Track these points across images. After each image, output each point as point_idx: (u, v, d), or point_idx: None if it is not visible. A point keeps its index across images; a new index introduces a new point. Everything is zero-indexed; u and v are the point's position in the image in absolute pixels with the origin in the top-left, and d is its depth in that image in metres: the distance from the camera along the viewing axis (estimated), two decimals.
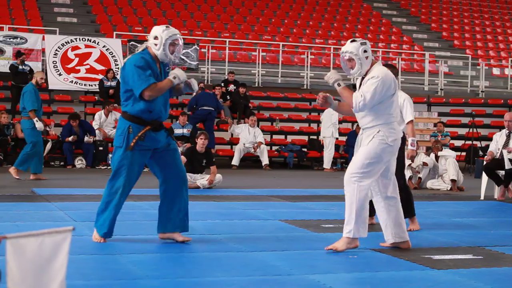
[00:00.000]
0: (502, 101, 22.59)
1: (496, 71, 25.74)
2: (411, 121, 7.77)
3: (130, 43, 19.63)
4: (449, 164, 13.16)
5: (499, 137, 11.79)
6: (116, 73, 18.51)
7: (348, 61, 6.15)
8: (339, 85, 6.12)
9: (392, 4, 30.21)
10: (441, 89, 23.24)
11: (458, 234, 7.39)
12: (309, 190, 11.94)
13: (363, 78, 6.17)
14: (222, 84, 19.66)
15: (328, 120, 17.44)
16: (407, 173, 13.51)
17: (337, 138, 17.79)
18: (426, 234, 7.33)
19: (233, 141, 18.30)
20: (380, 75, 6.06)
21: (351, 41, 6.18)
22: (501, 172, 11.37)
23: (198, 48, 20.32)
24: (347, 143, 18.02)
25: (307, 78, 21.57)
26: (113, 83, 18.08)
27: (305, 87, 21.48)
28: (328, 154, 17.44)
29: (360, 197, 6.00)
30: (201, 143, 12.05)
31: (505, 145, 11.49)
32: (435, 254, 6.09)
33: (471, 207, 10.37)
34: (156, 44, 6.26)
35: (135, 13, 24.49)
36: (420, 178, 13.48)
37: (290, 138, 19.21)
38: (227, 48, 21.98)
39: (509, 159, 11.30)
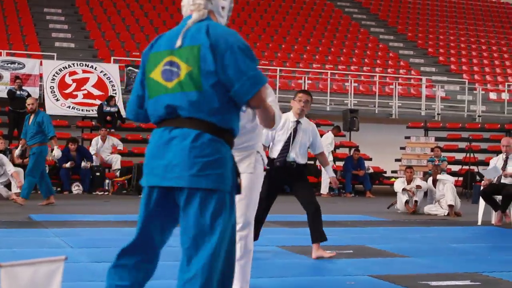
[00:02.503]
0: (499, 125, 22.63)
1: (493, 95, 25.84)
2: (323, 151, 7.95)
3: (128, 68, 19.70)
4: (447, 189, 13.14)
5: (496, 162, 11.79)
6: (117, 100, 18.49)
7: None
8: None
9: (389, 29, 30.39)
10: (438, 114, 23.31)
11: (455, 260, 7.37)
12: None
13: None
14: None
15: (324, 145, 17.44)
16: (403, 197, 13.52)
17: (333, 164, 17.77)
18: (423, 260, 7.30)
19: None
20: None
21: None
22: (498, 197, 11.36)
23: None
24: (344, 168, 18.02)
25: None
26: (113, 109, 18.10)
27: None
28: (326, 179, 17.42)
29: None
30: None
31: (503, 169, 11.48)
32: (432, 280, 6.07)
33: (469, 233, 10.35)
34: (223, 8, 3.61)
35: (132, 38, 24.59)
36: (416, 201, 13.44)
37: None
38: None
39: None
